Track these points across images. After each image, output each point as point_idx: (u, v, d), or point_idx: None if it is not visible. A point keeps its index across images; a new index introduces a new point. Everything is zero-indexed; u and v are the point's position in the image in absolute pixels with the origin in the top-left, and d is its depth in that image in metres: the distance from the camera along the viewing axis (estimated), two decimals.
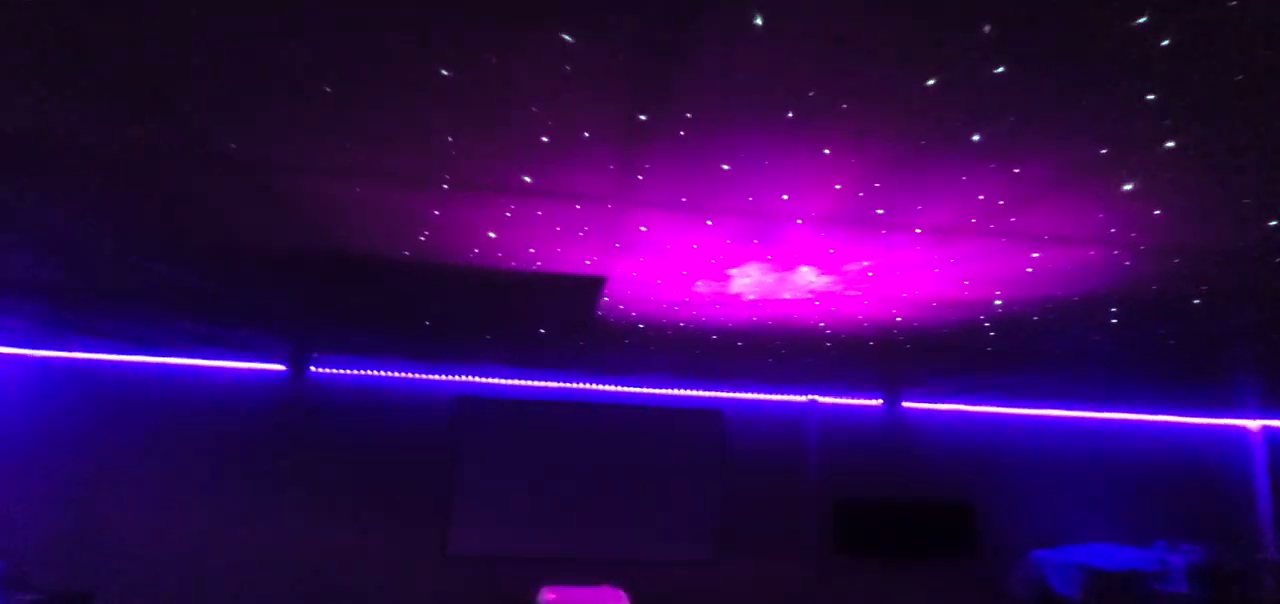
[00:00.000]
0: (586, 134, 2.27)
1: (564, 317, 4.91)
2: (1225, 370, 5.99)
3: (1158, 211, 2.70)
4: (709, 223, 3.04)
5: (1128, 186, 2.50)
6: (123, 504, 7.09)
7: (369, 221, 3.18)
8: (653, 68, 1.92)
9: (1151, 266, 3.34)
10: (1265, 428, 9.05)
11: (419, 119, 2.23)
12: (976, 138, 2.20)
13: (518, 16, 1.73)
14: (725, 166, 2.48)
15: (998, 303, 4.08)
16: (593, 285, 4.08)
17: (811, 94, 1.99)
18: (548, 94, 2.05)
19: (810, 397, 8.34)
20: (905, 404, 8.59)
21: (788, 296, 4.14)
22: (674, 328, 5.04)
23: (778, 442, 8.29)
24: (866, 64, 1.85)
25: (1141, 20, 1.64)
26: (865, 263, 3.49)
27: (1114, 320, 4.31)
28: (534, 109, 2.13)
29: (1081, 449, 8.66)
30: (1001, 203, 2.67)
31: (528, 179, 2.63)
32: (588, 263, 3.67)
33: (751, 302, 4.29)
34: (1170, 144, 2.20)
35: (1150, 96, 1.94)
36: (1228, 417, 8.95)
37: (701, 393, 8.22)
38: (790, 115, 2.11)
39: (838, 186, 2.59)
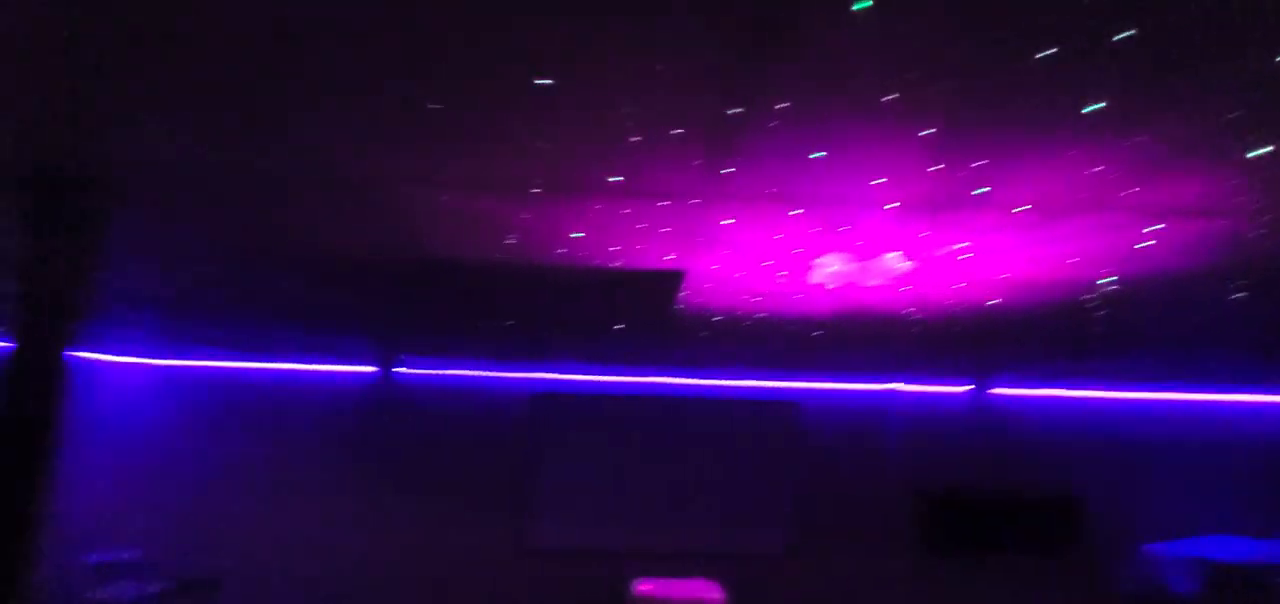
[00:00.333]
0: (677, 132, 2.26)
1: (643, 312, 4.93)
2: None
3: None
4: (794, 213, 2.98)
5: (1259, 152, 2.31)
6: (240, 498, 7.64)
7: (462, 229, 3.26)
8: (750, 57, 1.89)
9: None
10: None
11: (516, 128, 2.28)
12: (1094, 108, 2.06)
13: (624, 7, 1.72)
14: (816, 155, 2.42)
15: (1108, 281, 3.85)
16: (672, 280, 4.08)
17: (913, 75, 1.92)
18: (640, 94, 2.05)
19: (892, 385, 8.08)
20: (995, 390, 8.21)
21: (873, 284, 4.02)
22: (751, 320, 4.98)
23: (859, 431, 8.09)
24: (977, 37, 1.76)
25: None
26: (962, 245, 3.35)
27: (1235, 296, 4.00)
28: (625, 110, 2.13)
29: (1193, 434, 8.08)
30: (1118, 176, 2.51)
31: (617, 179, 2.63)
32: (668, 258, 3.66)
33: (833, 291, 4.18)
34: None
35: None
36: None
37: (778, 383, 8.10)
38: (890, 97, 2.03)
39: (936, 168, 2.49)
